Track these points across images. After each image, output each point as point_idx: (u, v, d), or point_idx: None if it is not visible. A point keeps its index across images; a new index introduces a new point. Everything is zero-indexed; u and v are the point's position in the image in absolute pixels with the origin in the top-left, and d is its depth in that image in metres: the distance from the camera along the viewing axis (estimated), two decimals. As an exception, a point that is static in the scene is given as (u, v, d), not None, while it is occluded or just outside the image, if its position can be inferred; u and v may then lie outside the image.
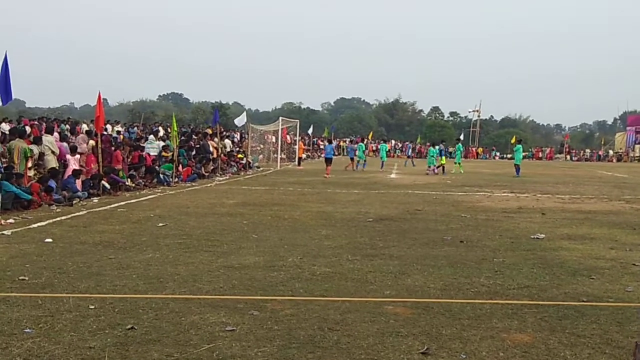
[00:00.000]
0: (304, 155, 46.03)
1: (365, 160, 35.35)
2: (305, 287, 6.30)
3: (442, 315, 5.34)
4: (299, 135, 43.78)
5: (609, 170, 40.19)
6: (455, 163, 32.34)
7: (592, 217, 12.79)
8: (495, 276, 6.95)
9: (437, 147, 34.02)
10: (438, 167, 31.29)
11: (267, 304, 5.60)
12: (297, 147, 41.31)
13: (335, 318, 5.21)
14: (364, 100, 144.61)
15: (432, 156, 31.56)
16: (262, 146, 40.37)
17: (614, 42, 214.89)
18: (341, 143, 70.92)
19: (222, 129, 36.67)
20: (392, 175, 28.34)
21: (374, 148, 72.27)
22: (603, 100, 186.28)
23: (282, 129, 38.85)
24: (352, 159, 33.80)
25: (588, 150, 78.64)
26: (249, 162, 31.40)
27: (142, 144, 22.54)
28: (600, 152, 74.22)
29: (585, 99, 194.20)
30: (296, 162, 38.50)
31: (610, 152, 73.03)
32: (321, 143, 62.63)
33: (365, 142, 52.58)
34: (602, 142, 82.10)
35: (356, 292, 6.17)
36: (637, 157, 66.01)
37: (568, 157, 72.10)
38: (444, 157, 32.48)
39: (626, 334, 4.88)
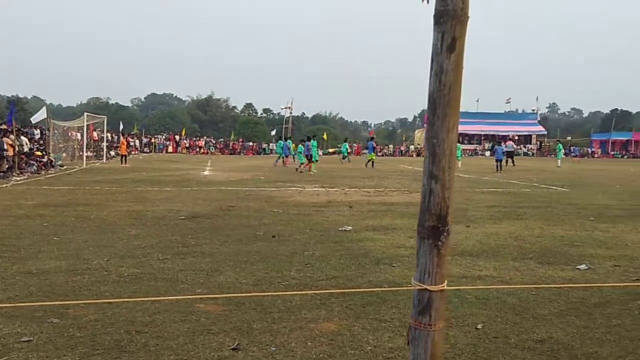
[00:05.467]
0: (112, 153, 44.05)
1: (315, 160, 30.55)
2: (112, 290, 6.01)
3: (254, 310, 5.38)
4: (122, 132, 41.83)
5: (410, 164, 43.20)
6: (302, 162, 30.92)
7: (394, 208, 13.66)
8: (306, 269, 7.15)
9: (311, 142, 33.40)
10: (368, 162, 34.46)
11: (68, 310, 5.25)
12: (104, 144, 39.32)
13: (143, 320, 5.03)
14: (176, 97, 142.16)
15: (300, 152, 30.48)
16: (65, 143, 37.93)
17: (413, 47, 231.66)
18: (152, 140, 69.20)
19: (19, 125, 33.87)
20: (205, 172, 28.07)
21: (187, 145, 71.37)
22: (405, 99, 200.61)
23: (88, 125, 36.84)
24: (288, 156, 30.07)
25: (391, 146, 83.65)
26: (51, 161, 29.33)
27: None
28: (402, 148, 79.34)
29: (388, 98, 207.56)
30: (120, 160, 36.46)
31: (411, 147, 78.42)
32: (130, 140, 60.38)
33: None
34: (404, 139, 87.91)
35: (166, 292, 6.01)
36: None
37: (373, 152, 76.16)
38: (372, 154, 35.78)
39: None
